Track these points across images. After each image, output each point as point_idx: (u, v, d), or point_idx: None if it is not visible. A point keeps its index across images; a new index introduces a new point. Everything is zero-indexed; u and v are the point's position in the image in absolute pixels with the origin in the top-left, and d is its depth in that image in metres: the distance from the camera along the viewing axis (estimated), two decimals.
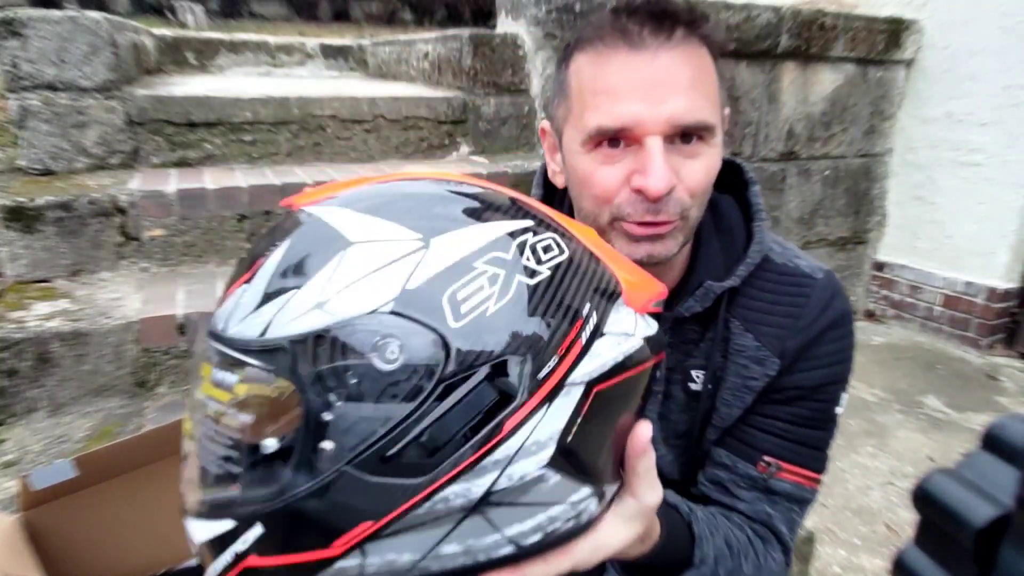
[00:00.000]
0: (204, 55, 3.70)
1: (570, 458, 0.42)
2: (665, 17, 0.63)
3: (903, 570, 0.25)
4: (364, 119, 2.47)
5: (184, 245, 1.95)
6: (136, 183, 1.95)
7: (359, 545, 0.38)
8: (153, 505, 0.86)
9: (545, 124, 0.78)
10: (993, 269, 2.86)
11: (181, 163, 2.22)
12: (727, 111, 0.74)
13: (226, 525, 0.40)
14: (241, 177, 2.09)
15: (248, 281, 0.42)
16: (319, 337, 0.38)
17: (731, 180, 0.81)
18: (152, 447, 0.84)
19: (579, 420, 0.42)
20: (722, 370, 0.75)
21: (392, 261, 0.39)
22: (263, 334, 0.39)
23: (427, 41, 3.03)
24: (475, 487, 0.39)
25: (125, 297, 1.75)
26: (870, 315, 3.38)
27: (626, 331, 0.45)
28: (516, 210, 0.46)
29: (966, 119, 2.88)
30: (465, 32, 2.62)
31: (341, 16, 7.57)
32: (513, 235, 0.42)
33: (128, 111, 2.11)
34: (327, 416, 0.37)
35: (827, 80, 2.95)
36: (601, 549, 0.47)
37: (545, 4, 2.45)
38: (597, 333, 0.43)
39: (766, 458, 0.75)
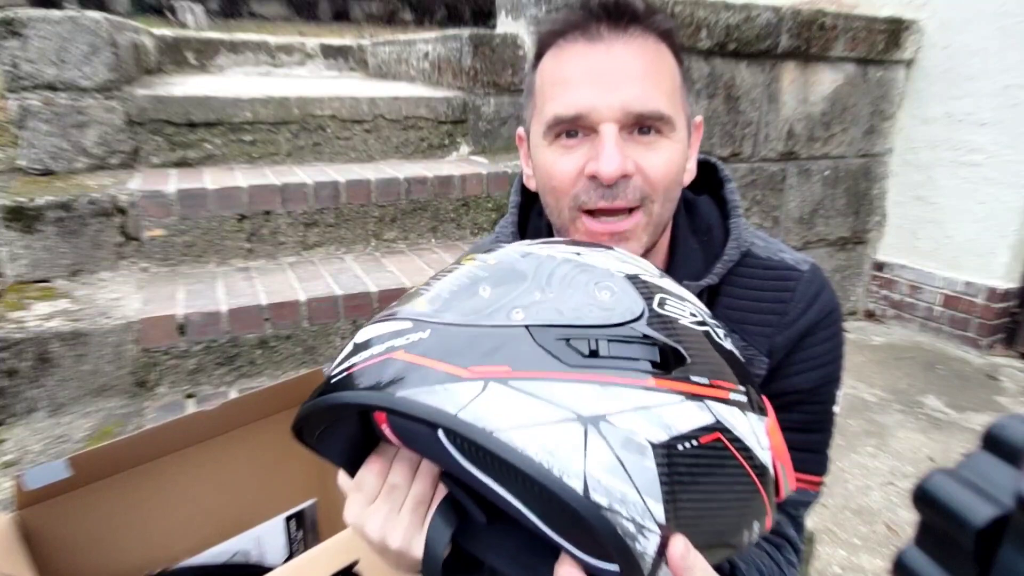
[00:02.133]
0: (204, 55, 3.70)
1: (670, 472, 0.42)
2: (621, 12, 0.65)
3: (903, 570, 0.25)
4: (364, 119, 2.47)
5: (184, 245, 1.95)
6: (136, 183, 1.95)
7: (488, 380, 0.42)
8: (147, 505, 0.86)
9: (520, 130, 0.78)
10: (993, 269, 2.86)
11: (181, 163, 2.22)
12: (699, 119, 0.74)
13: (403, 325, 0.47)
14: (241, 177, 2.09)
15: None
16: (562, 262, 0.50)
17: (707, 180, 0.81)
18: (146, 447, 0.84)
19: (692, 443, 0.43)
20: None
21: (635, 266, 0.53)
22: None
23: (427, 41, 3.03)
24: (600, 401, 0.42)
25: (125, 297, 1.75)
26: (870, 315, 3.38)
27: (756, 431, 0.48)
28: None
29: (966, 119, 2.88)
30: (465, 32, 2.62)
31: (341, 16, 7.57)
32: (707, 319, 0.54)
33: (128, 111, 2.11)
34: (537, 295, 0.47)
35: (827, 80, 2.95)
36: None
37: (545, 4, 2.45)
38: (737, 405, 0.47)
39: None
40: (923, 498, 0.24)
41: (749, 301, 0.74)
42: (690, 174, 0.74)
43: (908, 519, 1.85)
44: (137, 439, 0.83)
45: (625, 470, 0.41)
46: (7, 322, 1.56)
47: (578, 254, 0.51)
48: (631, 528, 0.41)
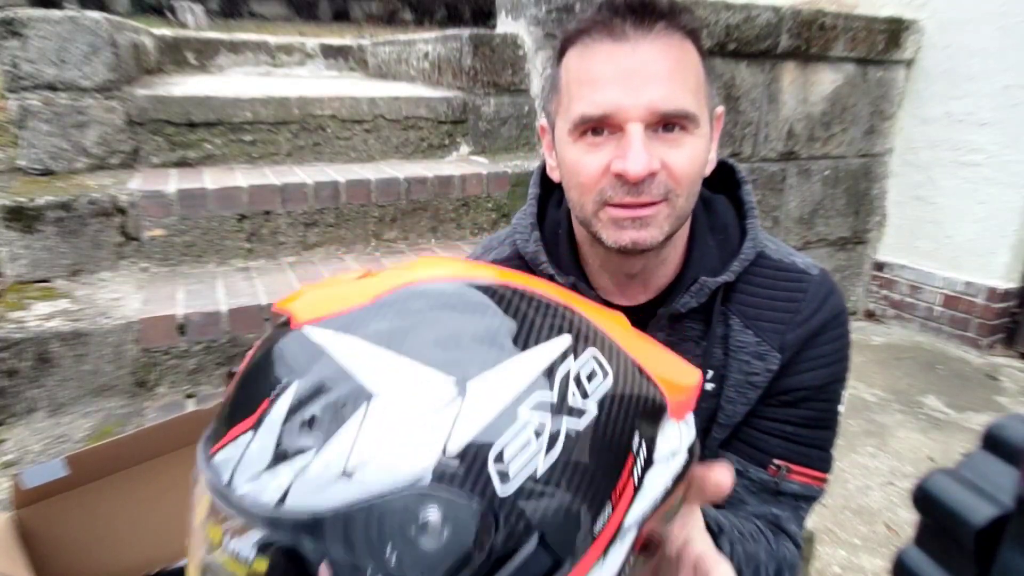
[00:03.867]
0: (204, 55, 3.70)
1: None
2: (646, 11, 0.66)
3: (903, 570, 0.25)
4: (364, 119, 2.47)
5: (184, 245, 1.95)
6: (136, 183, 1.95)
7: None
8: (146, 504, 0.86)
9: (543, 121, 0.79)
10: (993, 269, 2.86)
11: (181, 163, 2.22)
12: (720, 110, 0.75)
13: None
14: (241, 177, 2.09)
15: (254, 428, 0.38)
16: (349, 515, 0.33)
17: (724, 180, 0.83)
18: (143, 446, 0.84)
19: (631, 557, 0.39)
20: (724, 367, 0.76)
21: (424, 415, 0.35)
22: (282, 501, 0.35)
23: (427, 41, 3.03)
24: None
25: (125, 297, 1.75)
26: (870, 315, 3.37)
27: (673, 450, 0.42)
28: (552, 321, 0.41)
29: (966, 119, 2.88)
30: (465, 32, 2.62)
31: (341, 16, 7.58)
32: (554, 368, 0.38)
33: (128, 111, 2.11)
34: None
35: (827, 80, 2.95)
36: None
37: (545, 4, 2.45)
38: (648, 464, 0.40)
39: (776, 461, 0.76)
40: (923, 498, 0.24)
41: (763, 299, 0.76)
42: (711, 164, 0.75)
43: (908, 519, 1.85)
44: (134, 438, 0.83)
45: None
46: (7, 322, 1.56)
47: (347, 473, 0.34)
48: None
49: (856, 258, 3.34)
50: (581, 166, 0.68)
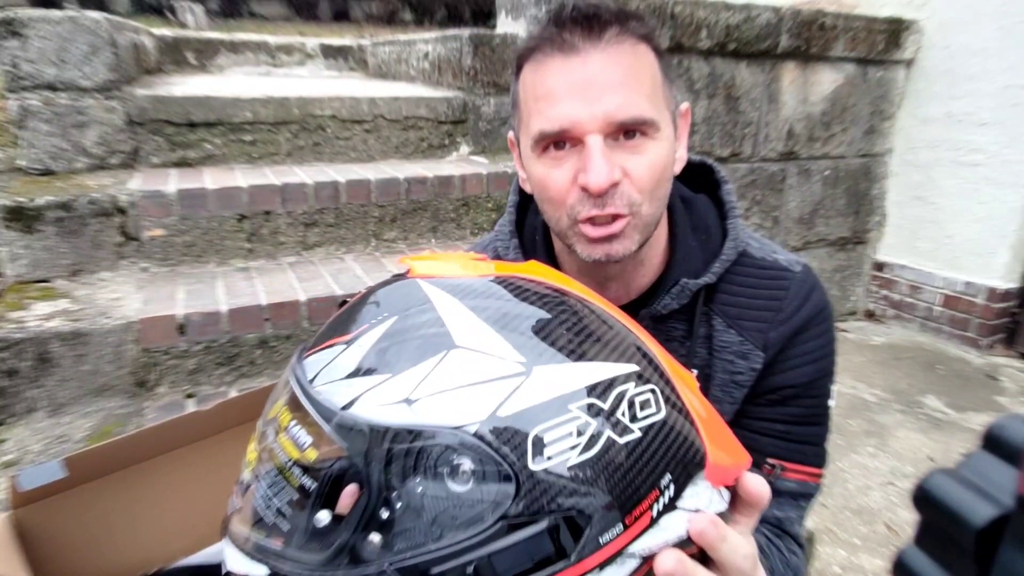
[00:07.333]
0: (204, 55, 3.70)
1: None
2: (594, 20, 0.66)
3: (903, 570, 0.25)
4: (364, 119, 2.47)
5: (184, 245, 1.95)
6: (136, 183, 1.95)
7: None
8: (143, 505, 0.86)
9: (511, 135, 0.80)
10: (993, 269, 2.86)
11: (181, 163, 2.22)
12: (685, 107, 0.75)
13: (261, 571, 0.41)
14: (241, 177, 2.09)
15: (348, 343, 0.43)
16: (399, 434, 0.37)
17: (704, 180, 0.83)
18: (142, 447, 0.84)
19: None
20: (709, 367, 0.76)
21: (490, 379, 0.39)
22: (347, 407, 0.39)
23: (427, 41, 3.03)
24: None
25: (125, 297, 1.75)
26: (870, 315, 3.37)
27: (699, 507, 0.43)
28: (625, 349, 0.44)
29: (966, 119, 2.88)
30: (465, 32, 2.62)
31: (341, 16, 7.57)
32: (614, 383, 0.41)
33: (128, 111, 2.11)
34: (384, 513, 0.37)
35: (827, 80, 2.95)
36: None
37: (545, 4, 2.45)
38: (670, 507, 0.41)
39: (770, 460, 0.76)
40: (923, 498, 0.24)
41: (745, 298, 0.76)
42: (680, 162, 0.75)
43: (908, 519, 1.85)
44: (133, 439, 0.82)
45: None
46: (7, 322, 1.56)
47: (408, 401, 0.39)
48: None
49: (856, 258, 3.34)
50: (548, 181, 0.68)
